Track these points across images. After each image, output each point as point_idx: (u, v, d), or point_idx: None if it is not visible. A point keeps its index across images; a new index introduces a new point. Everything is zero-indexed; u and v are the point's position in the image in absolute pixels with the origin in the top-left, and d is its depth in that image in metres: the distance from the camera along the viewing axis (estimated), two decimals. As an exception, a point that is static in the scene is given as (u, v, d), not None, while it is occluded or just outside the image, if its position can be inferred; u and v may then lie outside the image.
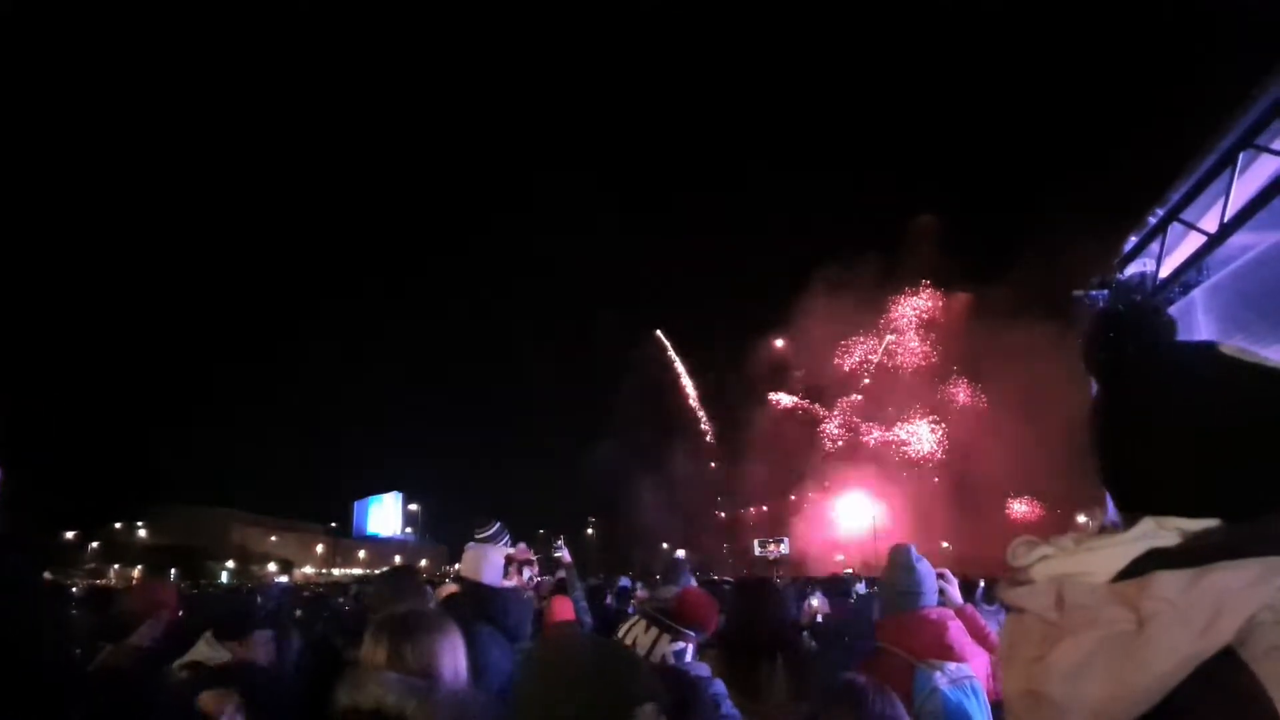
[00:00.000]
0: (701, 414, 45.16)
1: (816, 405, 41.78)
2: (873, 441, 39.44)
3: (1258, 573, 0.73)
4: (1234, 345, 0.90)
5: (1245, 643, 0.72)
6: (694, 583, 4.60)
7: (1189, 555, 0.78)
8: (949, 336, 38.57)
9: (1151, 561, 0.79)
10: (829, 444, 40.87)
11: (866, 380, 40.92)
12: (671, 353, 47.06)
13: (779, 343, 42.88)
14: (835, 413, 41.47)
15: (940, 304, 39.96)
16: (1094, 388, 0.98)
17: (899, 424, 39.10)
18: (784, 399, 42.21)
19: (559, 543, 5.08)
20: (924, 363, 39.94)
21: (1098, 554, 0.83)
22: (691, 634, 2.99)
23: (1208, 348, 0.91)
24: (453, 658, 1.75)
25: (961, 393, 37.83)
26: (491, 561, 3.56)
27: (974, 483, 35.10)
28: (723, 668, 2.72)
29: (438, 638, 1.75)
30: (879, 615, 3.16)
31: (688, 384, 47.22)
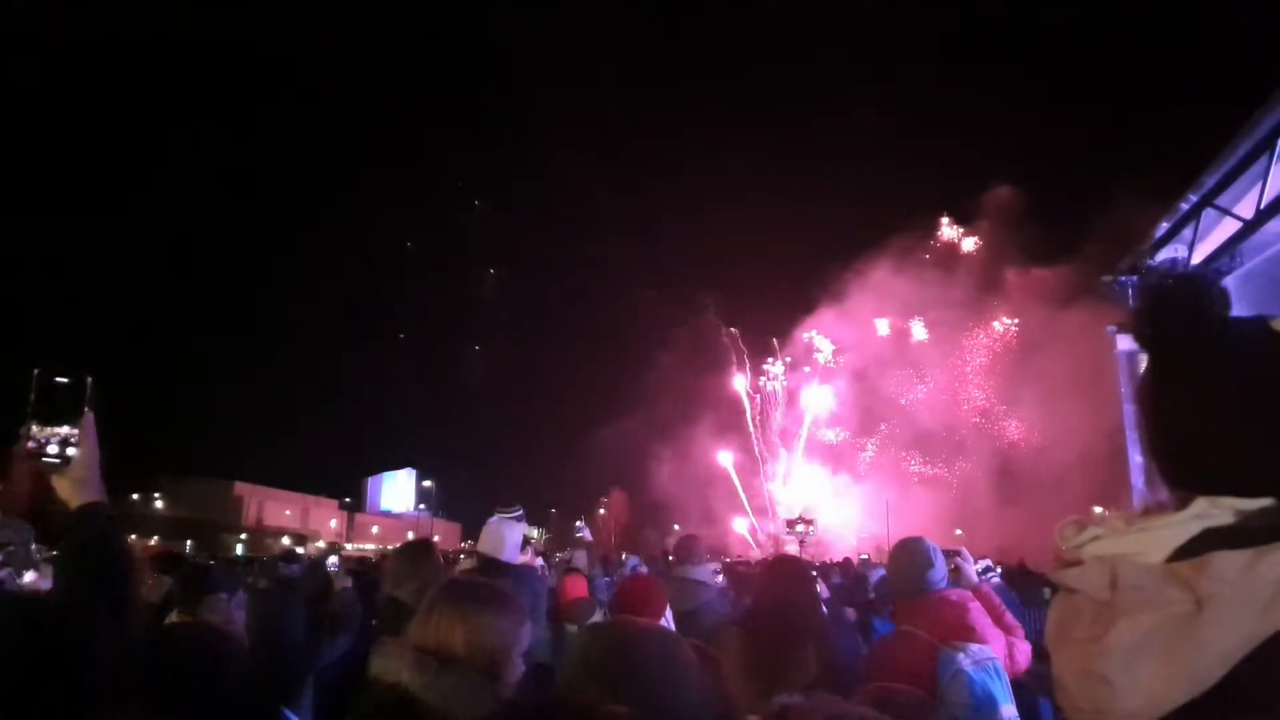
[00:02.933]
0: (747, 401, 43.77)
1: (861, 440, 40.34)
2: (915, 478, 38.40)
3: None
4: None
5: None
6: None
7: (1246, 535, 0.77)
8: (1019, 318, 36.64)
9: (1207, 542, 0.78)
10: (863, 468, 39.90)
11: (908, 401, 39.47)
12: (726, 338, 45.30)
13: (813, 336, 41.34)
14: (875, 439, 40.20)
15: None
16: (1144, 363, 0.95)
17: (943, 461, 37.94)
18: (828, 434, 40.73)
19: (580, 523, 5.11)
20: (985, 404, 38.35)
21: (1151, 534, 0.82)
22: None
23: (1259, 322, 0.88)
24: (494, 635, 1.70)
25: (1013, 426, 36.56)
26: (510, 539, 3.58)
27: (1012, 470, 34.68)
28: (746, 649, 2.67)
29: (484, 613, 1.70)
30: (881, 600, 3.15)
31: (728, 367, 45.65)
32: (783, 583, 2.88)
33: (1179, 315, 0.91)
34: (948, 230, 40.25)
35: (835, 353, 40.37)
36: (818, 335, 40.86)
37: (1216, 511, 0.80)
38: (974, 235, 39.46)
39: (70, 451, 1.65)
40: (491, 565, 3.49)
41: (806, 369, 41.08)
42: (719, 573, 7.19)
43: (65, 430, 1.64)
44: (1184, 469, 0.88)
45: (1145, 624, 0.76)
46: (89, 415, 1.73)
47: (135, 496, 65.47)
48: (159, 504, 65.72)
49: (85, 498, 1.63)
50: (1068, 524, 0.89)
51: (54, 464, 1.64)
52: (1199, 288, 0.92)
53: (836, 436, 40.54)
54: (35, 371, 1.67)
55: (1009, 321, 37.39)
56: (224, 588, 3.11)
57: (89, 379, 1.72)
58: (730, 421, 42.59)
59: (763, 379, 42.61)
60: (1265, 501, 0.79)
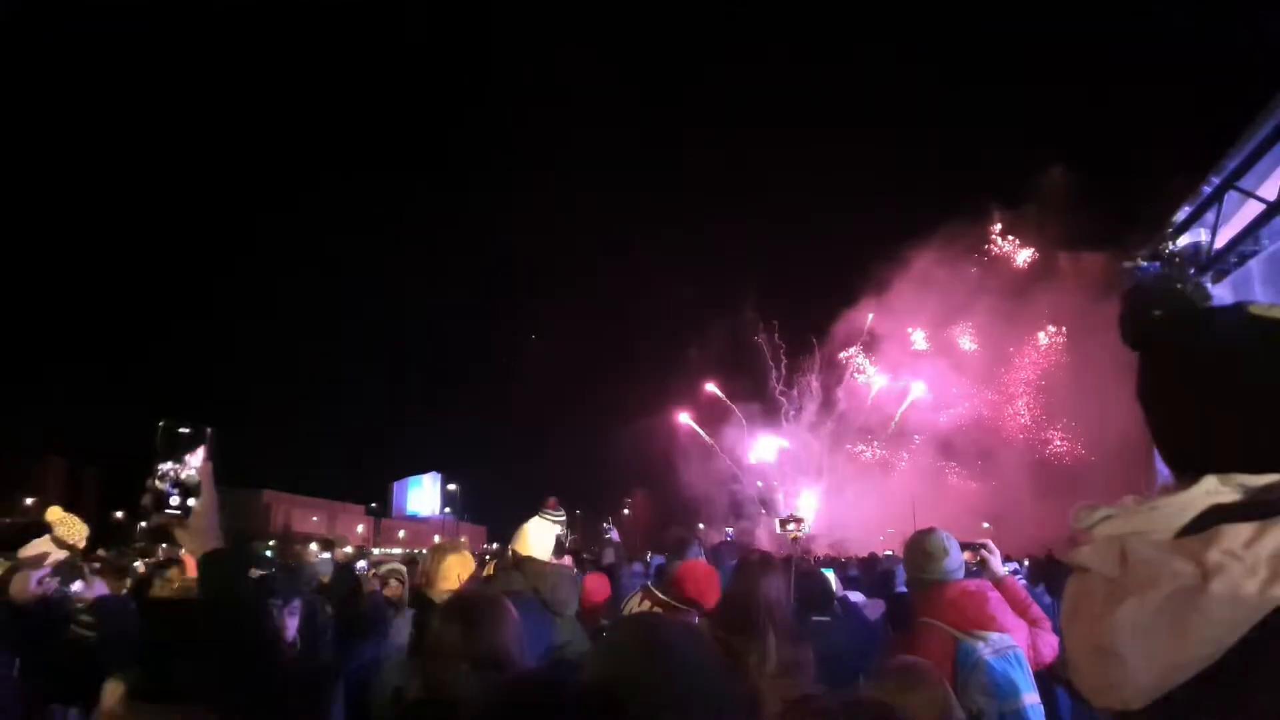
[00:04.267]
0: (782, 394, 42.82)
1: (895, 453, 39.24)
2: (951, 476, 37.35)
3: None
4: (1262, 304, 0.90)
5: None
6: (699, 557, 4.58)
7: (1252, 509, 0.77)
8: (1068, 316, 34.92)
9: (1215, 517, 0.79)
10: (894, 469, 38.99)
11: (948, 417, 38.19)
12: (764, 337, 44.01)
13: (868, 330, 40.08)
14: (907, 454, 39.16)
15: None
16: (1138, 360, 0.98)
17: (979, 465, 36.79)
18: (863, 450, 39.87)
19: (608, 524, 5.22)
20: (1028, 420, 37.11)
21: (1160, 512, 0.83)
22: (690, 611, 2.98)
23: (1237, 308, 0.91)
24: (518, 639, 1.74)
25: (1056, 435, 35.36)
26: (542, 538, 3.64)
27: (1049, 463, 34.06)
28: (717, 640, 2.72)
29: (505, 621, 1.74)
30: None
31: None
32: (749, 579, 2.93)
33: (1161, 313, 0.94)
34: (1002, 242, 38.11)
35: (879, 370, 39.52)
36: (861, 355, 39.94)
37: (1225, 488, 0.81)
38: (1026, 244, 37.26)
39: (190, 502, 1.78)
40: (527, 564, 3.54)
41: (865, 369, 40.01)
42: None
43: (185, 476, 1.79)
44: (1188, 453, 0.90)
45: (1154, 598, 0.77)
46: (208, 465, 1.89)
47: (166, 506, 66.41)
48: (189, 513, 66.55)
49: (205, 546, 1.77)
50: (1082, 506, 0.91)
51: (176, 516, 1.77)
52: (1175, 285, 0.95)
53: (874, 454, 39.66)
54: (160, 424, 1.84)
55: (1054, 330, 35.87)
56: (279, 595, 3.23)
57: (209, 430, 1.87)
58: (765, 417, 42.18)
59: (799, 373, 42.06)
60: (1272, 477, 0.80)
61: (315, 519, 74.77)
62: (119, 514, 57.61)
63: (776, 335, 42.42)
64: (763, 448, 41.07)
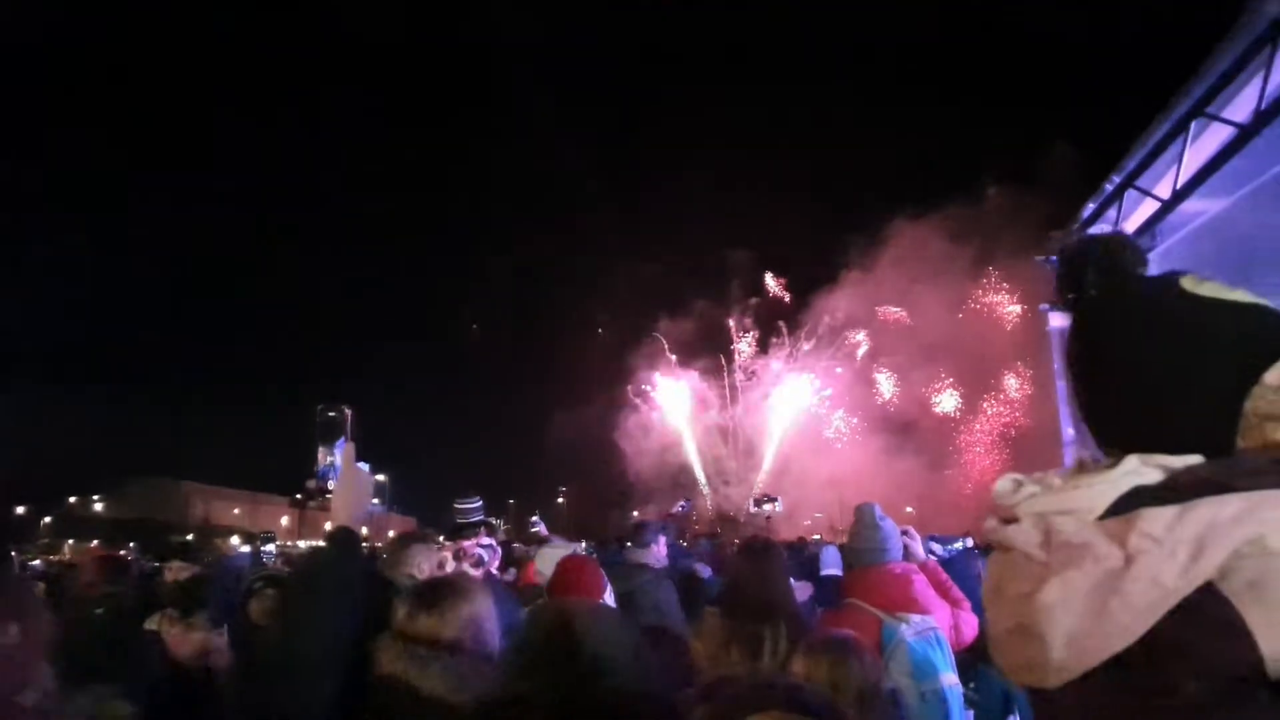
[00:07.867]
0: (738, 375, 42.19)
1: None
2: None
3: (1240, 508, 0.74)
4: (1192, 276, 0.90)
5: (1226, 577, 0.73)
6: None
7: (1174, 492, 0.78)
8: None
9: (1137, 498, 0.79)
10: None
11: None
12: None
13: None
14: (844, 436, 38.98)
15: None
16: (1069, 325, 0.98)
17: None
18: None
19: (535, 518, 5.31)
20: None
21: (1084, 491, 0.83)
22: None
23: (1169, 280, 0.91)
24: (477, 624, 1.80)
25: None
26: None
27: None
28: (725, 629, 2.72)
29: (460, 605, 1.81)
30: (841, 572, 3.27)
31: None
32: (755, 564, 2.96)
33: (1097, 274, 0.95)
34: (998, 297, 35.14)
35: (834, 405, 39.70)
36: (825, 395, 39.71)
37: (1146, 469, 0.82)
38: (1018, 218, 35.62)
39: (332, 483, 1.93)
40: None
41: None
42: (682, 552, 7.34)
43: (335, 458, 1.94)
44: (1112, 429, 0.91)
45: (1075, 579, 0.77)
46: (350, 446, 2.13)
47: (73, 499, 63.42)
48: (99, 506, 63.80)
49: (335, 521, 1.91)
50: (1006, 480, 0.90)
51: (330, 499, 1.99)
52: (1114, 247, 0.96)
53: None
54: (319, 407, 1.98)
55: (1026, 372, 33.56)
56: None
57: (349, 411, 2.00)
58: (710, 395, 42.01)
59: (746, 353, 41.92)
60: (1193, 458, 0.81)
61: (236, 511, 72.25)
62: (21, 509, 54.55)
63: (749, 317, 42.16)
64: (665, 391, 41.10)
